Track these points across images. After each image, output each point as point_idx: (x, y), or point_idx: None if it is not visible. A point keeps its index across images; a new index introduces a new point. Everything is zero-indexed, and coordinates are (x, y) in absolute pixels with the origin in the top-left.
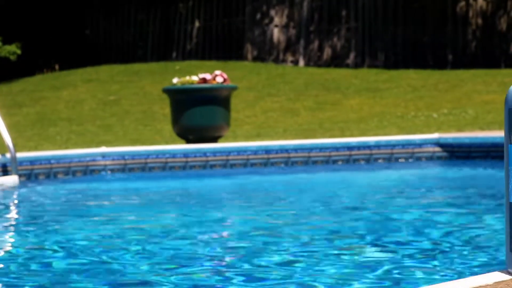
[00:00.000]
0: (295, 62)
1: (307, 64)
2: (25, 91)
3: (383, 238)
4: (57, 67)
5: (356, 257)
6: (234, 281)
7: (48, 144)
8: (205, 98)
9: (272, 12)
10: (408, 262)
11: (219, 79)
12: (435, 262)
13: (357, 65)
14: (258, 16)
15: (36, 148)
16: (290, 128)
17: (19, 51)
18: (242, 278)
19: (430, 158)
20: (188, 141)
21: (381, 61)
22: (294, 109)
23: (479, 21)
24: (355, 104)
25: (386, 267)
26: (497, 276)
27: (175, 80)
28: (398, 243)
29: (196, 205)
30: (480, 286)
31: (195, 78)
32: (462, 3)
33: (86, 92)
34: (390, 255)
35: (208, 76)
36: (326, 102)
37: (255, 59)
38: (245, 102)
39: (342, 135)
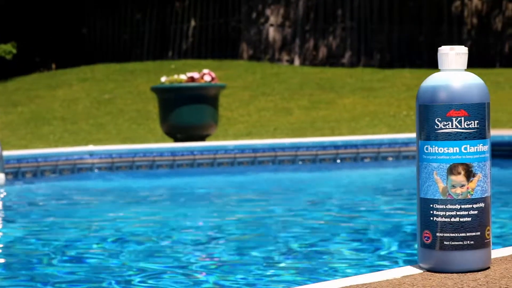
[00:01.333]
0: (291, 61)
1: (302, 63)
2: (21, 90)
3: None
4: (53, 66)
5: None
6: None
7: (40, 143)
8: (193, 97)
9: (268, 11)
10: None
11: (207, 78)
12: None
13: (352, 64)
14: (254, 15)
15: (26, 147)
16: (282, 127)
17: (14, 50)
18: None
19: None
20: (176, 139)
21: (377, 60)
22: (288, 108)
23: (474, 20)
24: (349, 103)
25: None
26: (408, 270)
27: (163, 79)
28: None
29: (174, 204)
30: (387, 279)
31: (183, 77)
32: (458, 3)
33: (81, 91)
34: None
35: (196, 75)
36: (320, 101)
37: (251, 58)
38: (239, 101)
39: (332, 134)
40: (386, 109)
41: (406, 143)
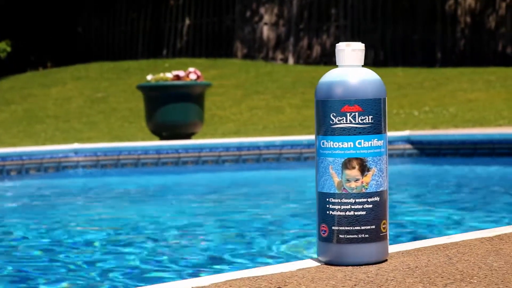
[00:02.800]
0: (285, 60)
1: (296, 62)
2: (15, 88)
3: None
4: (49, 64)
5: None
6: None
7: (31, 141)
8: (179, 95)
9: (262, 10)
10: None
11: (193, 76)
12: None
13: None
14: (248, 14)
15: (14, 145)
16: (271, 125)
17: (9, 49)
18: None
19: (401, 155)
20: (162, 138)
21: (371, 59)
22: (279, 106)
23: (468, 19)
24: None
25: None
26: (306, 263)
27: (149, 77)
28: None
29: (154, 201)
30: (281, 272)
31: (169, 75)
32: (451, 1)
33: (74, 90)
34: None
35: (181, 73)
36: (312, 100)
37: (245, 57)
38: (232, 100)
39: None
40: None
41: (390, 141)
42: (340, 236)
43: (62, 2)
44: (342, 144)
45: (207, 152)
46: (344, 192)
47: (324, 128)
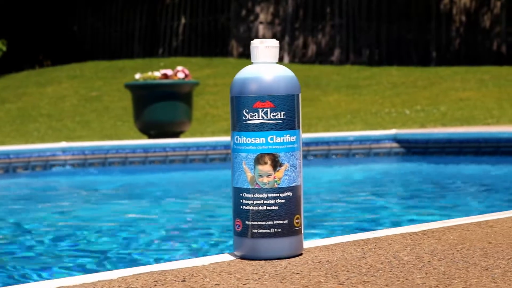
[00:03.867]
0: (280, 59)
1: (292, 60)
2: (10, 87)
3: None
4: (45, 63)
5: None
6: None
7: (23, 140)
8: (166, 94)
9: (257, 9)
10: None
11: (181, 75)
12: None
13: (341, 62)
14: (244, 12)
15: (7, 144)
16: None
17: (4, 48)
18: None
19: (388, 154)
20: (150, 136)
21: (366, 58)
22: None
23: (463, 18)
24: (333, 100)
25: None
26: (221, 257)
27: (137, 76)
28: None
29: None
30: (193, 266)
31: (157, 74)
32: (446, 0)
33: (69, 89)
34: None
35: (169, 72)
36: (305, 99)
37: (241, 55)
38: (225, 99)
39: (308, 131)
40: (370, 106)
41: (377, 140)
42: (254, 230)
43: (58, 1)
44: (255, 139)
45: (194, 150)
46: (257, 187)
47: (237, 124)
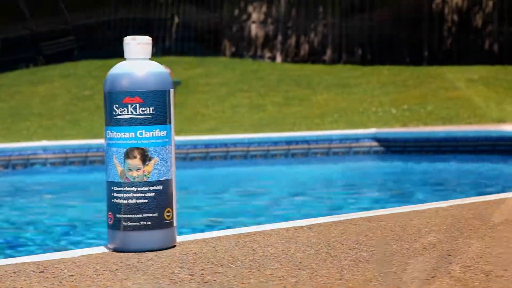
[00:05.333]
0: (273, 58)
1: (284, 60)
2: (3, 86)
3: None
4: (40, 62)
5: None
6: None
7: (12, 138)
8: None
9: (250, 8)
10: None
11: None
12: None
13: (334, 61)
14: (236, 12)
15: None
16: (247, 123)
17: None
18: None
19: (368, 153)
20: None
21: (358, 57)
22: (262, 104)
23: (455, 17)
24: (322, 99)
25: None
26: (94, 250)
27: None
28: None
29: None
30: (62, 258)
31: None
32: (438, 0)
33: (61, 87)
34: None
35: None
36: (295, 98)
37: (233, 55)
38: (216, 98)
39: (291, 130)
40: (358, 105)
41: (356, 139)
42: (124, 223)
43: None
44: (124, 134)
45: (175, 149)
46: (126, 181)
47: (109, 119)
